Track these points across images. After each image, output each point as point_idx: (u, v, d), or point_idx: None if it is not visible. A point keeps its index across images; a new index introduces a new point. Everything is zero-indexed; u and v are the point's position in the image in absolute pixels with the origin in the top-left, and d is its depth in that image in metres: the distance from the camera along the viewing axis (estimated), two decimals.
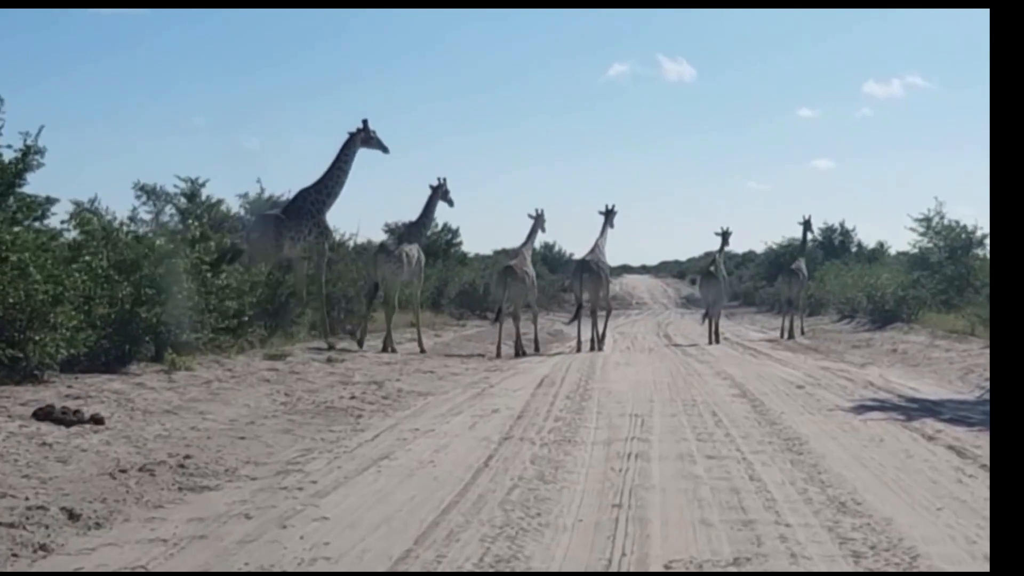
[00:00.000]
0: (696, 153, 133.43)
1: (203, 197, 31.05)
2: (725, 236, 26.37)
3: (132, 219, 26.08)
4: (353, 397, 11.80)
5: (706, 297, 25.59)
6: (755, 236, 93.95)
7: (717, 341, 23.75)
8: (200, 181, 30.40)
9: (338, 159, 18.64)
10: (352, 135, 18.74)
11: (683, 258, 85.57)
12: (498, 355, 19.48)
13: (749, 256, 56.18)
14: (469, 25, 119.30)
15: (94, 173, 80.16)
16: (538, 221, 21.91)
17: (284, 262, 18.73)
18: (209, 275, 14.57)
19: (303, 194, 18.55)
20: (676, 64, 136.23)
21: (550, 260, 51.07)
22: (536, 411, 10.75)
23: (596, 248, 22.10)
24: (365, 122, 18.86)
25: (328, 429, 9.55)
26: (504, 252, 57.07)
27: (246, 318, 15.20)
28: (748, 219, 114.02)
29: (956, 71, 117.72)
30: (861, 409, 10.99)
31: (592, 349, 20.84)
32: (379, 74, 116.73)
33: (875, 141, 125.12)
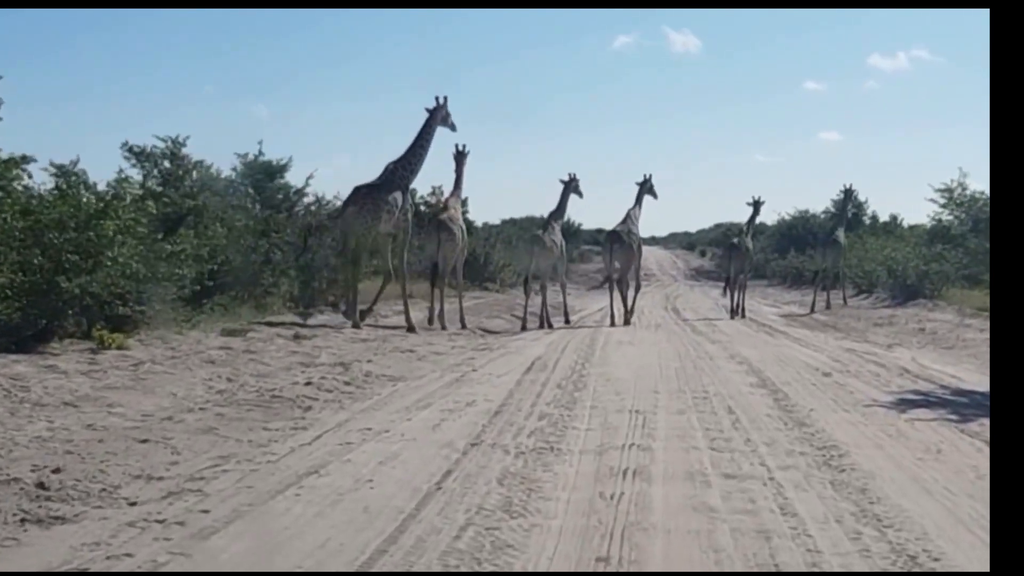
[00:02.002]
0: (704, 125, 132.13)
1: (184, 158, 29.33)
2: (756, 206, 25.19)
3: (119, 182, 24.32)
4: (309, 383, 10.11)
5: (727, 269, 24.40)
6: (766, 208, 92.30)
7: (732, 316, 22.56)
8: (181, 140, 28.70)
9: (420, 136, 18.28)
10: (432, 112, 18.35)
11: (692, 230, 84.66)
12: (523, 328, 18.99)
13: (760, 228, 54.56)
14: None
15: (102, 141, 78.71)
16: (569, 186, 21.06)
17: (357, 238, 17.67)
18: (159, 239, 12.87)
19: (391, 169, 18.03)
20: (682, 36, 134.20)
21: None
22: (519, 405, 9.04)
23: (628, 218, 21.20)
24: (445, 99, 18.51)
25: (263, 427, 7.86)
26: (512, 222, 55.64)
27: (198, 287, 13.47)
28: (757, 191, 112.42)
29: (963, 46, 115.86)
30: (902, 405, 9.27)
31: (624, 323, 19.84)
32: (385, 45, 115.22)
33: (882, 114, 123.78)
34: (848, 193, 28.21)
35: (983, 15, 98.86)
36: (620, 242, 20.59)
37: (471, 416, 8.36)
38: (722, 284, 25.39)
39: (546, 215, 21.56)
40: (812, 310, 24.69)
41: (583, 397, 9.52)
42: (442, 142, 19.41)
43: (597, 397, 9.53)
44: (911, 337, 17.00)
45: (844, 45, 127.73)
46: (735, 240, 25.04)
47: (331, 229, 19.36)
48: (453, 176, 20.10)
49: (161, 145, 28.09)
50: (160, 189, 21.03)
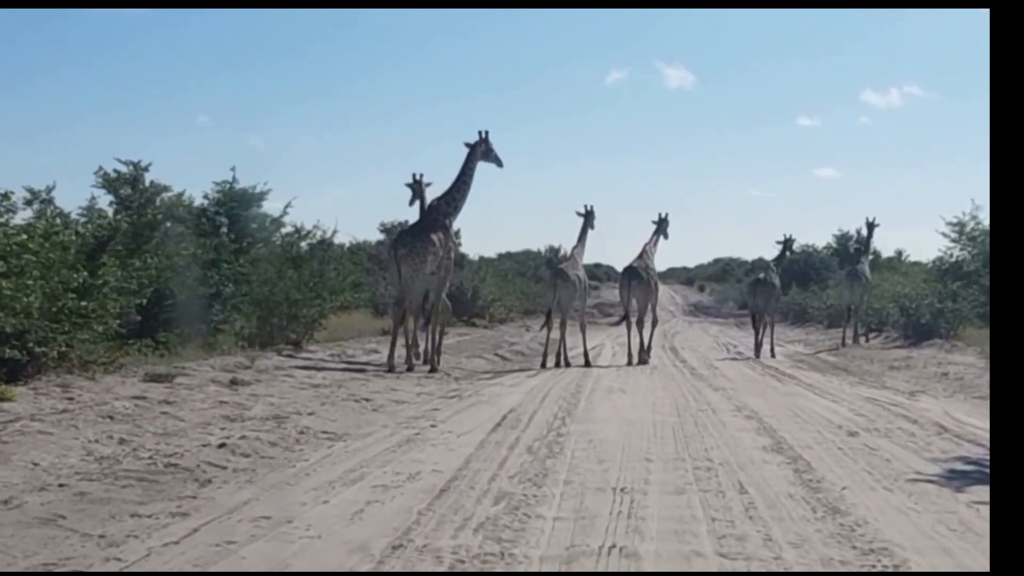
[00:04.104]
0: (699, 161, 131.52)
1: (147, 183, 27.72)
2: (787, 244, 23.76)
3: (89, 210, 22.67)
4: (223, 445, 8.23)
5: (752, 305, 23.31)
6: (764, 243, 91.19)
7: (764, 355, 21.38)
8: (143, 165, 27.06)
9: (462, 172, 17.69)
10: (473, 147, 17.72)
11: (691, 264, 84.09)
12: (543, 366, 18.16)
13: (759, 263, 53.13)
14: (469, 29, 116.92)
15: (91, 170, 77.21)
16: (588, 219, 19.87)
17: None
18: (67, 270, 11.03)
19: (434, 207, 17.50)
20: (675, 70, 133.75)
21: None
22: (475, 477, 7.17)
23: (644, 254, 20.20)
24: (486, 133, 17.80)
25: (133, 512, 5.98)
26: (508, 255, 54.04)
27: (116, 325, 11.59)
28: (755, 227, 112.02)
29: (956, 81, 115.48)
30: (955, 480, 7.40)
31: (641, 362, 19.11)
32: (380, 76, 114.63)
33: (877, 150, 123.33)
34: (871, 226, 26.86)
35: (978, 53, 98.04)
36: (638, 279, 19.59)
37: (407, 497, 6.48)
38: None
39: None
40: (856, 341, 24.28)
41: (557, 467, 7.63)
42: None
43: (574, 467, 7.64)
44: (935, 383, 15.17)
45: (836, 81, 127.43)
46: (761, 275, 23.52)
47: (385, 274, 18.43)
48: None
49: (123, 169, 26.40)
50: (121, 217, 19.30)
